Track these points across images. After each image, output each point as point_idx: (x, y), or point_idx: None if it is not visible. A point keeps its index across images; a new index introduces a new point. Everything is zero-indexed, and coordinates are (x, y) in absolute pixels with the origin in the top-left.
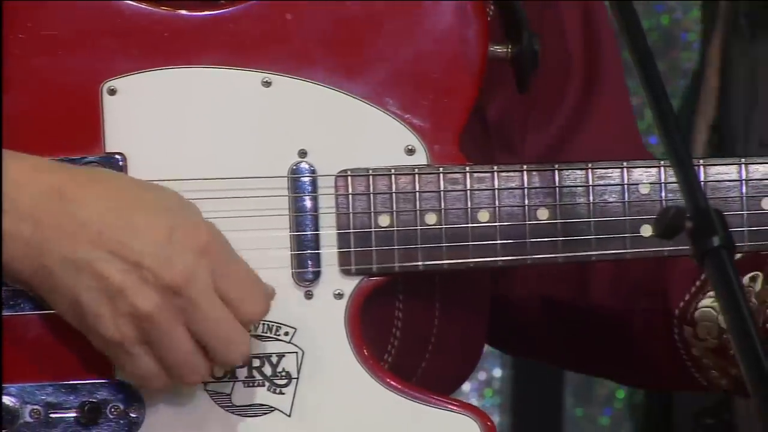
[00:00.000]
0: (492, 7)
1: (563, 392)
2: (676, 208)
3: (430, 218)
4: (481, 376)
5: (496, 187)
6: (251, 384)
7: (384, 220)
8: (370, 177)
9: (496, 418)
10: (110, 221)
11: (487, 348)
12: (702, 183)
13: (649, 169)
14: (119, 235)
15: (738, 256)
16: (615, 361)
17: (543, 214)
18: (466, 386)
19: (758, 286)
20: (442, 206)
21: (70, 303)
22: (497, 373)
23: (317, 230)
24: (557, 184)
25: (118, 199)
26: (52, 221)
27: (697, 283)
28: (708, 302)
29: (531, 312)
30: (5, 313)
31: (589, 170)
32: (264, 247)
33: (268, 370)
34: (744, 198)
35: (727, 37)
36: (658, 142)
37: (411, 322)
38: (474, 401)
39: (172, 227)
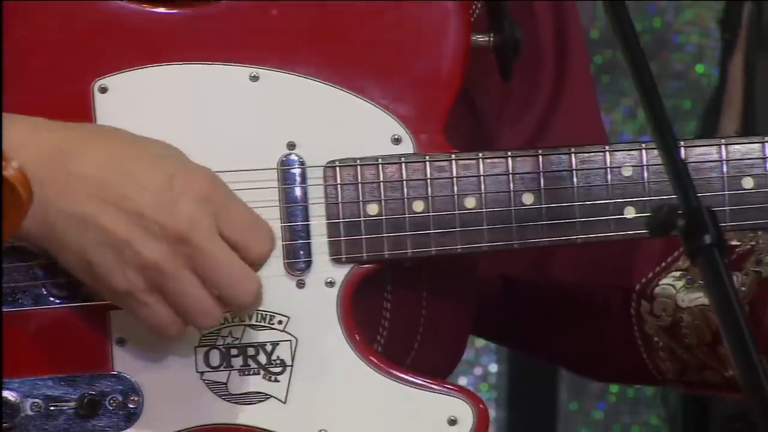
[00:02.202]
0: (478, 2)
1: (558, 387)
2: (669, 206)
3: (418, 206)
4: (477, 371)
5: (482, 173)
6: (246, 372)
7: (372, 209)
8: (358, 167)
9: (492, 413)
10: (110, 174)
11: (483, 343)
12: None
13: (631, 152)
14: (120, 187)
15: None
16: (567, 343)
17: (528, 198)
18: (462, 381)
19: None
20: (429, 194)
21: (79, 259)
22: (493, 368)
23: (308, 220)
24: (541, 170)
25: (117, 151)
26: (54, 178)
27: (663, 263)
28: (669, 280)
29: (492, 292)
30: (6, 309)
31: (572, 155)
32: None
33: (262, 358)
34: (725, 178)
35: (750, 48)
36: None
37: (399, 312)
38: None
39: (171, 175)
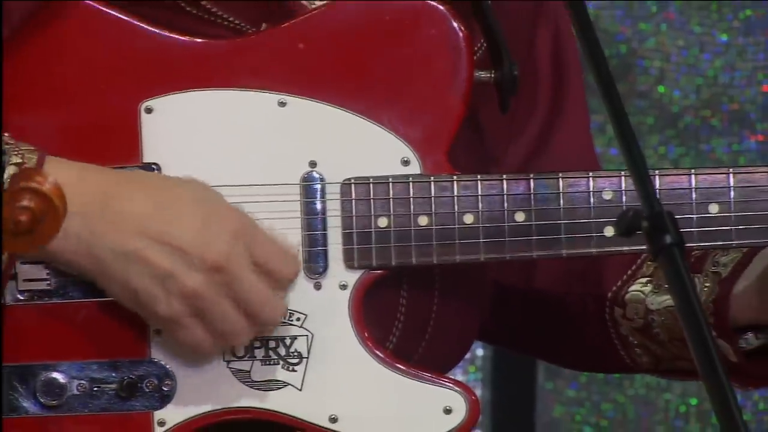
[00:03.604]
0: (483, 40)
1: (536, 369)
2: (634, 210)
3: (423, 220)
4: (467, 354)
5: (480, 193)
6: (268, 363)
7: (382, 222)
8: (371, 184)
9: (478, 391)
10: (152, 213)
11: None
12: (657, 190)
13: (611, 178)
14: (161, 225)
15: None
16: (551, 341)
17: (520, 216)
18: None
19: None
20: (433, 210)
21: (124, 288)
22: (479, 352)
23: (325, 230)
24: (532, 191)
25: (157, 194)
26: (101, 217)
27: (629, 271)
28: (638, 287)
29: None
30: (57, 300)
31: (560, 179)
32: None
33: (282, 350)
34: (694, 203)
35: None
36: (618, 154)
37: (413, 309)
38: (459, 376)
39: (206, 214)
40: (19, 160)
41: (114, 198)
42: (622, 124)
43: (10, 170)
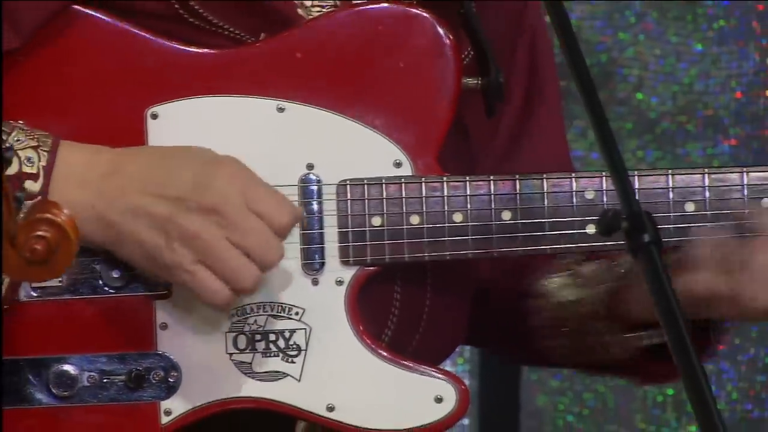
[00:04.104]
0: (470, 49)
1: None
2: (614, 210)
3: (414, 219)
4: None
5: (468, 193)
6: (268, 354)
7: (376, 221)
8: (365, 186)
9: (466, 381)
10: (151, 171)
11: None
12: (637, 190)
13: (593, 179)
14: (160, 179)
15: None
16: (484, 332)
17: (506, 215)
18: None
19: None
20: (424, 209)
21: (135, 245)
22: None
23: (322, 229)
24: (518, 191)
25: (158, 154)
26: (108, 183)
27: (549, 268)
28: (553, 280)
29: None
30: (68, 297)
31: (544, 180)
32: None
33: (281, 343)
34: (671, 202)
35: None
36: (599, 157)
37: (407, 304)
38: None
39: (202, 164)
40: (35, 143)
41: (121, 164)
42: (602, 129)
43: (27, 152)
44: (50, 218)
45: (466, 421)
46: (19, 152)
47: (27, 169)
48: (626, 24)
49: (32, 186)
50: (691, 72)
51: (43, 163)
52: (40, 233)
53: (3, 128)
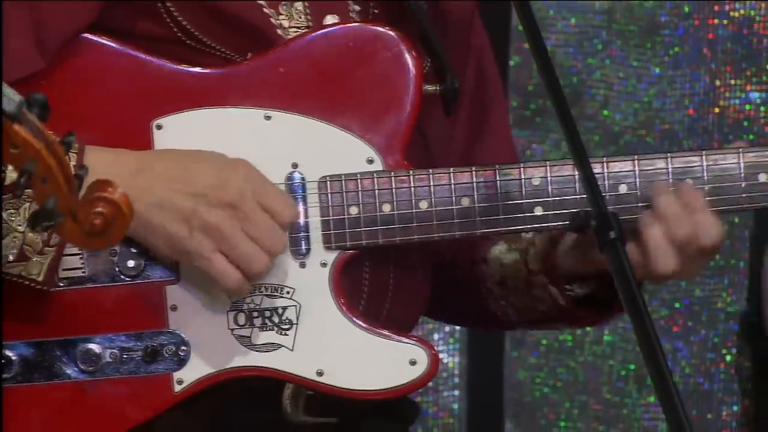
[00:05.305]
0: (428, 60)
1: (504, 340)
2: (585, 212)
3: (386, 207)
4: (447, 328)
5: (432, 184)
6: (264, 329)
7: (353, 210)
8: (343, 180)
9: (456, 358)
10: (176, 170)
11: None
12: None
13: (539, 168)
14: (184, 177)
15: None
16: (441, 298)
17: (465, 201)
18: (437, 335)
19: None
20: (394, 199)
21: (162, 235)
22: (457, 327)
23: (307, 219)
24: (474, 181)
25: (178, 156)
26: (135, 179)
27: (495, 237)
28: (497, 247)
29: None
30: (90, 285)
31: (497, 170)
32: None
33: (276, 318)
34: (606, 185)
35: None
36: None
37: (374, 280)
38: (442, 345)
39: (220, 165)
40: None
41: (145, 163)
42: (574, 140)
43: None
44: (107, 196)
45: (456, 393)
46: None
47: None
48: (594, 50)
49: None
50: (650, 92)
51: (73, 162)
52: (98, 209)
53: None
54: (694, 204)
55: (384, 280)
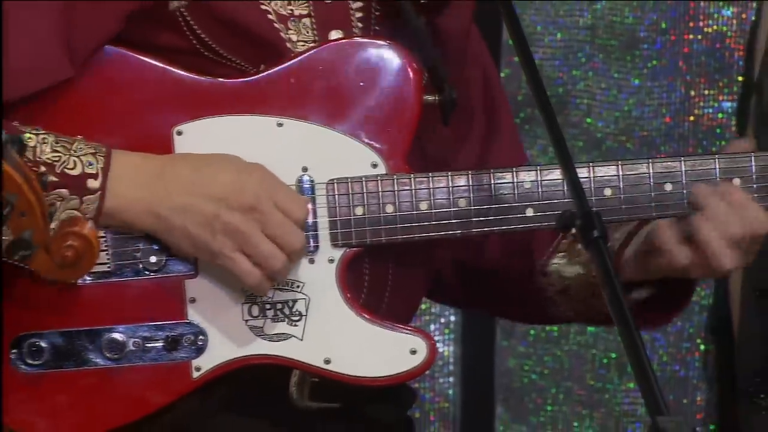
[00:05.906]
0: (426, 72)
1: (495, 330)
2: (570, 212)
3: (389, 208)
4: (442, 320)
5: (431, 186)
6: (276, 320)
7: (359, 211)
8: (349, 183)
9: (451, 347)
10: (196, 175)
11: None
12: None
13: (530, 172)
14: (204, 182)
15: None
16: (499, 302)
17: (462, 202)
18: (432, 326)
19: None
20: (397, 200)
21: (184, 236)
22: (452, 318)
23: (316, 219)
24: (470, 184)
25: (198, 160)
26: (157, 182)
27: (550, 249)
28: (556, 260)
29: (447, 272)
30: (115, 279)
31: (491, 174)
32: None
33: (287, 310)
34: (592, 189)
35: None
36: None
37: (375, 275)
38: (438, 336)
39: (237, 169)
40: (93, 151)
41: (169, 166)
42: (560, 146)
43: (87, 158)
44: (77, 231)
45: (451, 379)
46: (81, 158)
47: (88, 170)
48: (578, 63)
49: (93, 183)
50: (630, 101)
51: (101, 165)
52: (70, 242)
53: (62, 138)
54: (740, 201)
55: (383, 275)
